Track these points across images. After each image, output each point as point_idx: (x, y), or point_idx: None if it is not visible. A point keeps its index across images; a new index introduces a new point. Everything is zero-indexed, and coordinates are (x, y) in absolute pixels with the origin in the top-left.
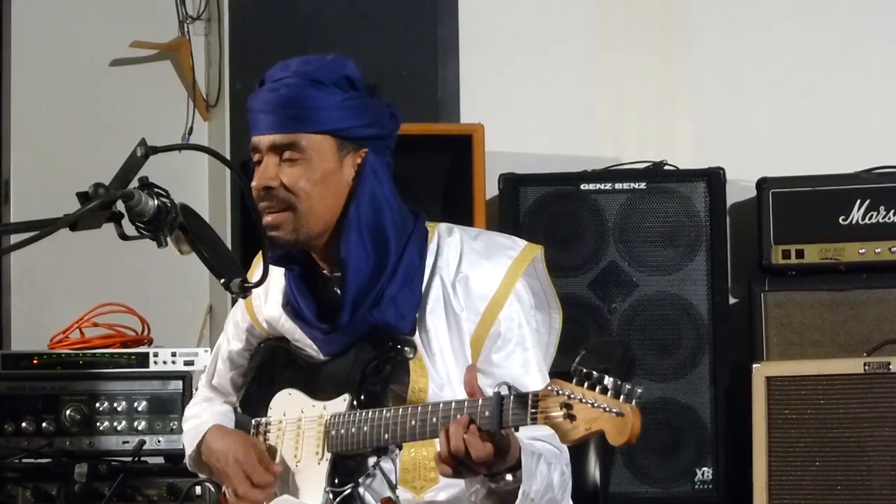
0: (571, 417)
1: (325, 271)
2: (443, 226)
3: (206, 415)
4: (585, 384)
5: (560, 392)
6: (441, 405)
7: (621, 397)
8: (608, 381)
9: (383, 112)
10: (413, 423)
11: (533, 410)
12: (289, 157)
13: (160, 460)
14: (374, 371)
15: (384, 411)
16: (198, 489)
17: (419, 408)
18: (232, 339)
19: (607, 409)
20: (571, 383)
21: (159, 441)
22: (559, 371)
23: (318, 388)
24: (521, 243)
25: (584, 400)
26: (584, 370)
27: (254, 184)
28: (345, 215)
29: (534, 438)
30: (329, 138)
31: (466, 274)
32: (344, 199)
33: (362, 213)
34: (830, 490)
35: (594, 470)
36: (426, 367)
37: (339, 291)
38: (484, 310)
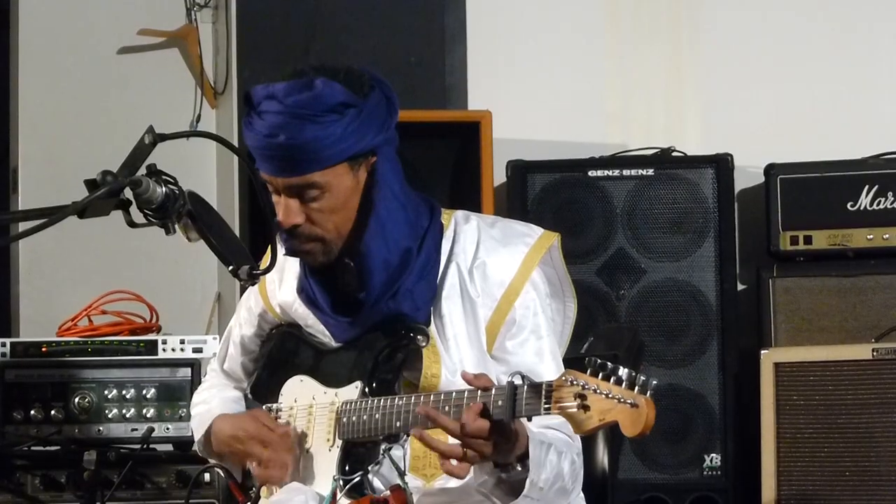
0: (585, 408)
1: (345, 260)
2: (459, 213)
3: (215, 401)
4: (599, 375)
5: (574, 382)
6: (454, 394)
7: (636, 388)
8: (622, 371)
9: (382, 108)
10: None
11: (546, 400)
12: (308, 195)
13: (169, 447)
14: (386, 359)
15: (396, 399)
16: (206, 476)
17: (431, 396)
18: (244, 324)
19: (621, 399)
20: (585, 374)
21: (168, 428)
22: (569, 357)
23: (329, 375)
24: (538, 231)
25: (598, 391)
26: (598, 361)
27: (279, 218)
28: (362, 216)
29: (545, 426)
30: (342, 164)
31: (484, 260)
32: (359, 203)
33: (380, 216)
34: (839, 476)
35: (602, 456)
36: (439, 352)
37: (356, 279)
38: (500, 296)
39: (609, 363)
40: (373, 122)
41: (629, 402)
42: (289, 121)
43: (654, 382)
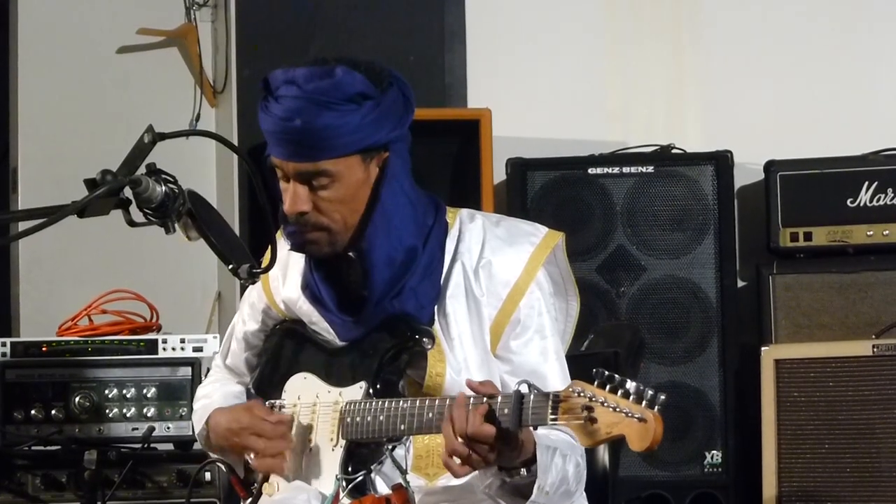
0: (592, 420)
1: (349, 253)
2: (464, 211)
3: (216, 395)
4: (607, 387)
5: (582, 394)
6: (459, 398)
7: (643, 402)
8: (630, 385)
9: (398, 105)
10: (430, 415)
11: (553, 411)
12: (318, 183)
13: (170, 447)
14: (390, 360)
15: (401, 401)
16: (207, 475)
17: (437, 400)
18: (247, 320)
19: (629, 413)
20: (593, 385)
21: (169, 427)
22: (570, 355)
23: (333, 373)
24: (543, 230)
25: (605, 403)
26: (606, 373)
27: (286, 208)
28: (369, 210)
29: (550, 428)
30: (355, 155)
31: (489, 259)
32: (368, 197)
33: (387, 211)
34: (840, 472)
35: (604, 454)
36: (444, 352)
37: (360, 275)
38: (505, 296)
39: (617, 375)
40: (389, 116)
41: (637, 416)
42: (306, 106)
43: (663, 398)
